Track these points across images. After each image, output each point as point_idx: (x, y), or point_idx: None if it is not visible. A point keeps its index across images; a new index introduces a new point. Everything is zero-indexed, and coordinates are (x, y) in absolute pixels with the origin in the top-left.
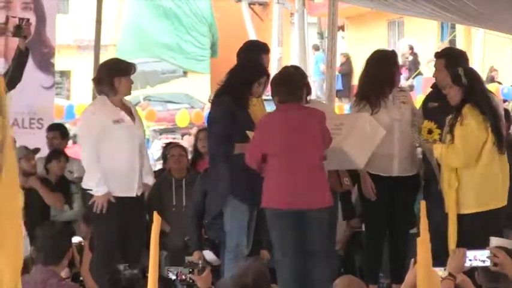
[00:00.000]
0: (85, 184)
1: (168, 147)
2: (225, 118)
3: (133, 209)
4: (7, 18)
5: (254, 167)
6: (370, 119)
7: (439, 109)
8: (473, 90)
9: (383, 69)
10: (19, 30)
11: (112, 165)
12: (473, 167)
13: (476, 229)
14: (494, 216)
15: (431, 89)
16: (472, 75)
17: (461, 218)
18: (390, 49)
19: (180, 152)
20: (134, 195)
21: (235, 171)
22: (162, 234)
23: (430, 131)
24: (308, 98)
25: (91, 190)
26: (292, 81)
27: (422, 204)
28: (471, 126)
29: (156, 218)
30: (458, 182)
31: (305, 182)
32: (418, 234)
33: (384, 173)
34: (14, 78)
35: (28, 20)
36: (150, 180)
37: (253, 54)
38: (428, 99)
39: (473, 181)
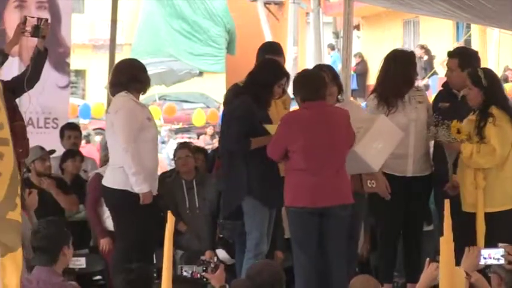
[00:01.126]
0: (115, 183)
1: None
2: (245, 117)
3: (152, 208)
4: (25, 18)
5: (276, 159)
6: (387, 121)
7: (450, 109)
8: (495, 92)
9: (402, 69)
10: (37, 30)
11: (144, 163)
12: (501, 166)
13: (502, 227)
14: None
15: (441, 89)
16: (492, 76)
17: (486, 216)
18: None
19: (187, 154)
20: (155, 193)
21: (253, 171)
22: (178, 233)
23: (458, 131)
24: (340, 97)
25: (120, 189)
26: (314, 81)
27: (446, 203)
28: (505, 127)
29: (170, 217)
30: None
31: (328, 179)
32: (433, 232)
33: (399, 173)
34: (32, 78)
35: (47, 20)
36: None
37: (262, 55)
38: (438, 99)
39: (500, 180)
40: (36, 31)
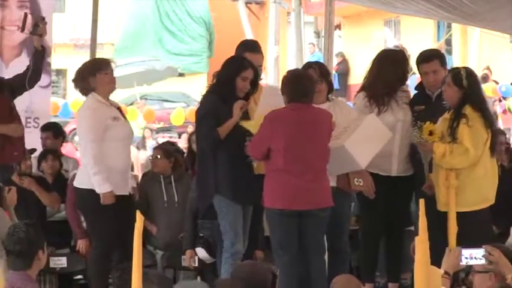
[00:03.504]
0: (83, 183)
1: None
2: (208, 116)
3: (128, 207)
4: (25, 15)
5: (258, 158)
6: (376, 120)
7: (425, 112)
8: (473, 93)
9: (396, 67)
10: (36, 28)
11: (112, 163)
12: (472, 167)
13: (474, 226)
14: (488, 213)
15: (416, 91)
16: (473, 77)
17: (458, 216)
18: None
19: (156, 155)
20: (128, 193)
21: (220, 168)
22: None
23: (431, 133)
24: (330, 96)
25: (88, 189)
26: (303, 83)
27: (421, 203)
28: (478, 128)
29: (139, 216)
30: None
31: (308, 181)
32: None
33: (383, 172)
34: (33, 77)
35: (44, 18)
36: (133, 182)
37: (239, 52)
38: (413, 101)
39: (472, 180)
40: (35, 29)
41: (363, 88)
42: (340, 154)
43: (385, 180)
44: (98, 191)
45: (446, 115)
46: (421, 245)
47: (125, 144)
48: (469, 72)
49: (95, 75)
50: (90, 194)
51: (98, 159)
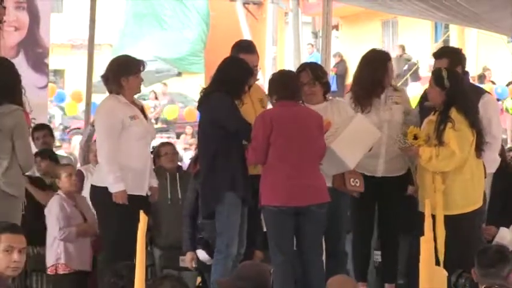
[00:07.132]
0: (99, 181)
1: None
2: (236, 111)
3: (142, 208)
4: None
5: (260, 161)
6: (364, 120)
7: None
8: (456, 94)
9: (373, 70)
10: None
11: (127, 162)
12: (459, 169)
13: (464, 229)
14: (478, 215)
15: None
16: (456, 78)
17: (446, 219)
18: (384, 49)
19: (173, 151)
20: (145, 194)
21: (236, 168)
22: (156, 228)
23: (415, 137)
24: (328, 96)
25: (103, 187)
26: (287, 81)
27: (427, 203)
28: (464, 130)
29: (143, 217)
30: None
31: (303, 178)
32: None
33: (369, 172)
34: None
35: (2, 1)
36: (155, 182)
37: (234, 53)
38: (424, 97)
39: (460, 182)
40: None
41: (351, 89)
42: (328, 155)
43: (371, 181)
44: (110, 189)
45: (432, 117)
46: (426, 245)
47: (142, 144)
48: (452, 73)
49: (127, 77)
50: (105, 193)
51: (111, 158)
